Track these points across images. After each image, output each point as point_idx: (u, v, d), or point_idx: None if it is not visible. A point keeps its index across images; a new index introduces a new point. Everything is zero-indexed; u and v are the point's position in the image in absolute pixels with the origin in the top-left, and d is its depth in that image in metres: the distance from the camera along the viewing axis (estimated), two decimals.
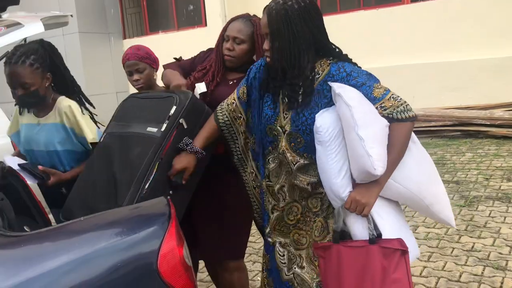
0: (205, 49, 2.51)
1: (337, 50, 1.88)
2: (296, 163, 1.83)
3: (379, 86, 1.75)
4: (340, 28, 8.47)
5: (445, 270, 3.05)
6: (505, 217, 3.79)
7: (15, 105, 2.44)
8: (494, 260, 3.10)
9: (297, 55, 1.73)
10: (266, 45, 1.80)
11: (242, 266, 2.42)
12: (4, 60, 2.24)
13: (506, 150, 5.88)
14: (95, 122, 2.46)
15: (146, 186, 1.92)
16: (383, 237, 1.68)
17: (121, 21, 10.64)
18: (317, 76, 1.79)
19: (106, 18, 10.39)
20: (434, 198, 1.82)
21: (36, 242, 1.42)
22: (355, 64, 1.89)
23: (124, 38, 10.61)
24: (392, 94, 1.73)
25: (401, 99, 1.72)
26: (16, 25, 3.97)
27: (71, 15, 4.70)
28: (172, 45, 9.32)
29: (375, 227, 1.68)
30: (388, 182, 1.71)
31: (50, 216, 2.47)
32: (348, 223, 1.73)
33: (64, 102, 2.33)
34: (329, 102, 1.76)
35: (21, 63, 2.17)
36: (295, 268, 1.91)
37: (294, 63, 1.75)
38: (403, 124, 1.68)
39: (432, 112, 7.16)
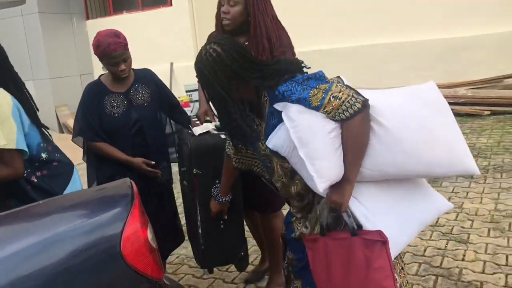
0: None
1: (282, 65, 1.83)
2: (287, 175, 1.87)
3: (315, 92, 1.66)
4: (306, 9, 8.46)
5: (410, 245, 3.12)
6: (467, 193, 3.90)
7: None
8: (457, 234, 3.19)
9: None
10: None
11: (279, 214, 2.66)
12: None
13: (468, 127, 6.03)
14: (37, 119, 2.20)
15: (200, 231, 2.42)
16: (371, 224, 1.72)
17: (84, 1, 10.30)
18: (265, 99, 1.80)
19: None
20: (429, 166, 1.75)
21: None
22: (302, 68, 1.86)
23: (87, 18, 10.30)
24: (332, 94, 1.63)
25: (342, 95, 1.62)
26: None
27: None
28: (137, 26, 9.13)
29: (355, 219, 1.72)
30: (366, 173, 1.72)
31: None
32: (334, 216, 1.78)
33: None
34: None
35: None
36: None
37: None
38: (350, 121, 1.62)
39: None
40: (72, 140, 2.64)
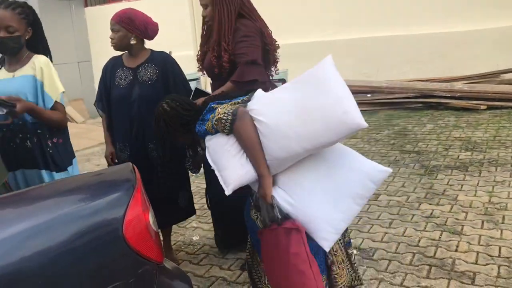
0: None
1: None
2: None
3: (208, 124, 2.01)
4: (306, 1, 8.45)
5: (405, 236, 3.16)
6: (462, 185, 3.94)
7: None
8: (451, 226, 3.24)
9: None
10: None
11: None
12: None
13: (464, 121, 6.07)
14: None
15: None
16: (296, 209, 1.91)
17: None
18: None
19: None
20: (311, 139, 1.88)
21: None
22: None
23: (86, 5, 10.24)
24: (215, 118, 1.97)
25: (219, 115, 1.96)
26: None
27: None
28: None
29: (280, 210, 1.93)
30: (271, 164, 1.93)
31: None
32: (271, 212, 1.97)
33: (42, 58, 2.43)
34: None
35: (11, 9, 2.30)
36: None
37: None
38: (233, 132, 1.94)
39: (395, 84, 7.29)
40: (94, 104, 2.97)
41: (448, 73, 7.56)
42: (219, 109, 1.99)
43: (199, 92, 2.65)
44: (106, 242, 1.38)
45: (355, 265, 2.29)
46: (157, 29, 2.84)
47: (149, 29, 2.75)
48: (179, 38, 8.82)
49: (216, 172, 1.97)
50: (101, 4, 10.12)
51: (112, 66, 2.82)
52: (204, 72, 2.80)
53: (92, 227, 1.37)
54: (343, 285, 2.18)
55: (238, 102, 2.07)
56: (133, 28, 2.68)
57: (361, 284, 2.33)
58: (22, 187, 2.39)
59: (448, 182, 4.05)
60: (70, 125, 2.74)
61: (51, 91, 2.39)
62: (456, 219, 3.34)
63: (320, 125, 1.84)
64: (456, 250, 2.91)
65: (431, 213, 3.46)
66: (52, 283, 1.28)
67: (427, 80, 7.48)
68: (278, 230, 1.90)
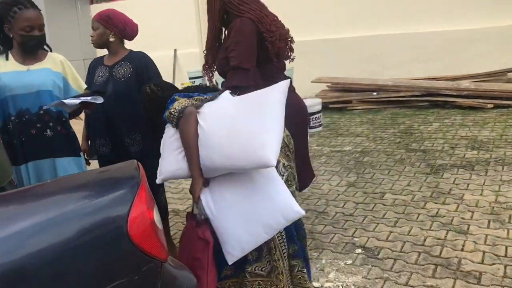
0: None
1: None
2: None
3: (166, 114, 2.12)
4: None
5: (410, 235, 3.15)
6: (468, 184, 3.92)
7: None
8: (457, 225, 3.22)
9: None
10: None
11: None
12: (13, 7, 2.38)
13: (471, 120, 6.03)
14: None
15: None
16: (214, 217, 2.03)
17: None
18: None
19: None
20: (231, 159, 1.96)
21: (2, 204, 1.39)
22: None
23: (91, 3, 10.26)
24: (170, 110, 2.10)
25: (172, 109, 2.09)
26: None
27: None
28: (141, 12, 9.09)
29: (204, 212, 2.05)
30: (203, 167, 2.03)
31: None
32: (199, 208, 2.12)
33: (58, 55, 2.63)
34: None
35: (37, 9, 2.44)
36: (290, 188, 2.20)
37: None
38: (179, 127, 2.07)
39: (401, 82, 7.25)
40: None
41: (454, 72, 7.51)
42: (176, 103, 2.11)
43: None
44: (111, 239, 1.38)
45: (298, 277, 2.30)
46: (137, 30, 2.93)
47: (127, 28, 2.85)
48: (185, 36, 8.82)
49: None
50: (106, 1, 10.13)
51: (93, 66, 2.98)
52: (209, 76, 2.83)
53: (96, 224, 1.36)
54: None
55: (202, 99, 2.16)
56: (111, 26, 2.80)
57: None
58: (34, 179, 2.44)
59: (454, 181, 4.02)
60: (74, 122, 2.76)
61: (77, 87, 2.67)
62: (462, 218, 3.32)
63: (238, 149, 1.92)
64: (462, 250, 2.89)
65: (437, 212, 3.44)
66: (57, 279, 1.28)
67: (433, 79, 7.44)
68: (195, 230, 2.07)
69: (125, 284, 1.36)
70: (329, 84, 7.85)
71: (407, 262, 2.81)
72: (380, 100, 7.22)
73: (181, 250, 2.23)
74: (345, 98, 7.45)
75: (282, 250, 2.18)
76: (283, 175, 2.17)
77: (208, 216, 2.05)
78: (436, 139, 5.33)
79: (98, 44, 2.85)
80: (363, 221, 3.43)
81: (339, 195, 3.96)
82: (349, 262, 2.89)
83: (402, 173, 4.33)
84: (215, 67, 2.73)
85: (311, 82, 7.67)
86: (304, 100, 6.45)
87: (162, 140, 2.17)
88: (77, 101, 2.36)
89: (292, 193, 2.15)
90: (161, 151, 2.14)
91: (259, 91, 2.16)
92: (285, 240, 2.20)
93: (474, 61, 7.38)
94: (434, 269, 2.70)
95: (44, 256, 1.26)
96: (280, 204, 2.00)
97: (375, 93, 7.29)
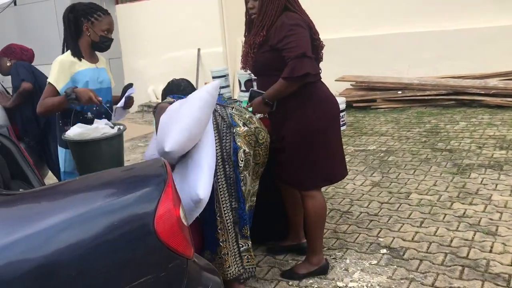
0: None
1: None
2: None
3: None
4: None
5: (436, 235, 3.10)
6: (496, 185, 3.84)
7: (73, 55, 2.70)
8: (485, 226, 3.15)
9: None
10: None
11: (313, 195, 2.68)
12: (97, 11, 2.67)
13: (499, 119, 5.90)
14: None
15: None
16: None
17: None
18: None
19: None
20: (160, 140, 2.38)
21: (33, 200, 1.42)
22: None
23: (117, 3, 10.37)
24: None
25: (154, 106, 2.59)
26: None
27: None
28: (165, 11, 9.17)
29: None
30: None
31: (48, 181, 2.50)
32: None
33: (102, 56, 2.91)
34: None
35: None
36: (245, 172, 2.50)
37: None
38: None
39: (427, 81, 7.14)
40: None
41: (481, 70, 7.35)
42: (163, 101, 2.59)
43: (255, 93, 2.65)
44: (138, 236, 1.40)
45: (245, 257, 2.53)
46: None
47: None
48: (208, 35, 8.85)
49: None
50: (131, 1, 10.25)
51: None
52: (247, 69, 2.76)
53: (124, 220, 1.38)
54: (230, 274, 2.46)
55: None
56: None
57: (250, 277, 2.57)
58: None
59: (481, 181, 3.94)
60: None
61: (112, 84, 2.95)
62: (490, 219, 3.25)
63: (162, 135, 2.36)
64: (490, 251, 2.83)
65: (464, 213, 3.38)
66: (85, 275, 1.30)
67: (460, 77, 7.30)
68: None
69: (152, 281, 1.38)
70: (353, 83, 7.78)
71: (433, 263, 2.77)
72: (405, 98, 7.12)
73: None
74: (369, 96, 7.38)
75: (229, 230, 2.45)
76: (242, 160, 2.46)
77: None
78: (463, 138, 5.23)
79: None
80: (388, 221, 3.39)
81: (363, 194, 3.92)
82: (374, 262, 2.86)
83: (428, 173, 4.27)
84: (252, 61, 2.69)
85: (335, 80, 7.61)
86: None
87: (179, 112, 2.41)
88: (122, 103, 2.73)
89: (244, 177, 2.48)
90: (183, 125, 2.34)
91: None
92: (231, 221, 2.46)
93: (502, 59, 7.21)
94: (461, 271, 2.66)
95: (72, 252, 1.29)
96: (190, 187, 2.28)
97: (400, 92, 7.19)
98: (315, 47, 2.62)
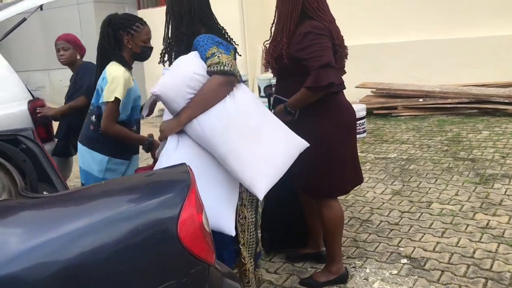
0: None
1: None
2: None
3: (214, 48, 2.08)
4: (357, 2, 8.33)
5: (459, 246, 3.05)
6: None
7: (130, 69, 2.77)
8: (509, 238, 3.09)
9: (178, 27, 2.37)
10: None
11: (329, 204, 2.66)
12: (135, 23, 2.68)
13: None
14: None
15: None
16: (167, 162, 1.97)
17: None
18: None
19: None
20: (231, 152, 1.99)
21: (58, 204, 1.43)
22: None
23: (139, 8, 10.51)
24: (220, 54, 2.06)
25: (224, 61, 2.04)
26: None
27: None
28: None
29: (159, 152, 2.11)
30: (193, 121, 2.03)
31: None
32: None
33: None
34: None
35: None
36: None
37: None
38: (213, 76, 2.03)
39: (448, 89, 7.05)
40: None
41: (504, 78, 7.24)
42: (224, 57, 2.08)
43: (278, 100, 2.65)
44: (161, 241, 1.40)
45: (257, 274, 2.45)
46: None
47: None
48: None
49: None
50: (153, 6, 10.37)
51: None
52: (269, 69, 2.76)
53: (147, 225, 1.38)
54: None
55: (238, 74, 2.23)
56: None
57: None
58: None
59: (505, 191, 3.87)
60: None
61: None
62: None
63: (246, 156, 2.03)
64: None
65: (487, 224, 3.32)
66: (108, 279, 1.31)
67: (483, 85, 7.20)
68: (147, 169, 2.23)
69: (174, 286, 1.38)
70: (374, 90, 7.72)
71: (455, 275, 2.73)
72: (427, 106, 7.05)
73: None
74: (390, 104, 7.32)
75: (251, 248, 2.32)
76: None
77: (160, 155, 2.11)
78: (486, 147, 5.15)
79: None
80: (409, 230, 3.35)
81: (384, 203, 3.89)
82: (394, 272, 2.82)
83: (449, 182, 4.21)
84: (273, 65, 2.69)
85: (355, 87, 7.57)
86: None
87: (181, 62, 2.16)
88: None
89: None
90: (173, 70, 2.13)
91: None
92: (254, 239, 2.31)
93: None
94: (484, 283, 2.61)
95: (96, 256, 1.29)
96: (223, 210, 2.04)
97: (421, 100, 7.12)
98: (340, 56, 2.61)
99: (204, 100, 2.03)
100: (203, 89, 2.03)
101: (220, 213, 2.03)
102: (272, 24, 2.68)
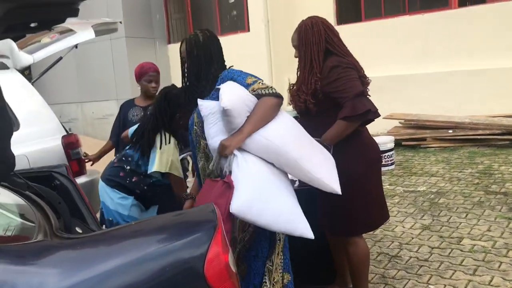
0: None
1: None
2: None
3: (251, 77, 2.26)
4: (384, 34, 8.38)
5: (491, 285, 2.96)
6: None
7: None
8: None
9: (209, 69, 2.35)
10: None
11: (354, 241, 2.64)
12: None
13: None
14: None
15: None
16: (238, 175, 2.05)
17: (166, 26, 10.86)
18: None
19: (152, 24, 10.63)
20: (306, 156, 2.14)
21: (91, 244, 1.48)
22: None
23: (169, 42, 10.83)
24: (261, 81, 2.24)
25: (267, 85, 2.23)
26: (69, 31, 4.14)
27: (120, 22, 4.86)
28: None
29: (229, 166, 2.10)
30: (254, 136, 2.11)
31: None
32: (221, 165, 2.16)
33: None
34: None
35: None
36: None
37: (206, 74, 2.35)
38: (266, 97, 2.17)
39: (479, 120, 6.95)
40: None
41: None
42: (258, 84, 2.24)
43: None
44: (188, 280, 1.43)
45: None
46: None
47: None
48: (255, 72, 9.04)
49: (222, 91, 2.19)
50: (182, 41, 10.65)
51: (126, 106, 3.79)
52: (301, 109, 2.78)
53: (175, 265, 1.42)
54: None
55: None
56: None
57: None
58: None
59: None
60: None
61: None
62: None
63: (310, 159, 2.20)
64: None
65: None
66: None
67: None
68: (218, 182, 2.11)
69: None
70: (402, 121, 7.68)
71: None
72: (457, 138, 6.95)
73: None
74: (418, 135, 7.25)
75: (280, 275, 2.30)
76: None
77: (231, 170, 2.10)
78: None
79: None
80: (439, 267, 3.27)
81: (413, 238, 3.82)
82: None
83: (481, 217, 4.11)
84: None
85: (383, 118, 7.54)
86: (376, 137, 6.36)
87: (230, 89, 2.20)
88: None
89: None
90: (229, 91, 2.17)
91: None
92: (282, 266, 2.31)
93: None
94: None
95: None
96: (299, 215, 2.09)
97: (451, 131, 7.03)
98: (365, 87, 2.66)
99: (264, 116, 2.14)
100: (260, 107, 2.15)
101: (297, 218, 2.08)
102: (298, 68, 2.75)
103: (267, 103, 2.16)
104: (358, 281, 2.68)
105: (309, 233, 2.07)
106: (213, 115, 2.21)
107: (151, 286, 1.37)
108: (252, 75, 2.29)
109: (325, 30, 2.62)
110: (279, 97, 2.20)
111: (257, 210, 1.99)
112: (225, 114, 2.10)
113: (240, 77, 2.26)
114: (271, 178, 2.10)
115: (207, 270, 1.42)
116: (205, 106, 2.24)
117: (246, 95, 2.18)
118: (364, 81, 2.64)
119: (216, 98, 2.22)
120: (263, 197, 2.02)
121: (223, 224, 1.91)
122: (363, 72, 2.67)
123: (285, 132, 2.16)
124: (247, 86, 2.22)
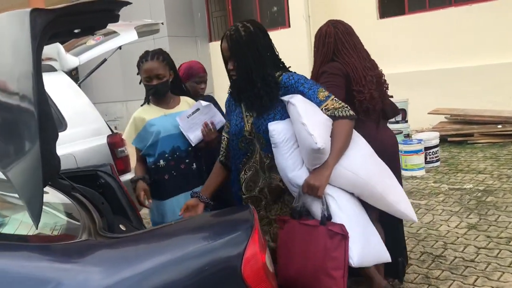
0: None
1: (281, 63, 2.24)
2: (264, 163, 2.15)
3: (323, 91, 2.08)
4: (429, 27, 8.16)
5: None
6: None
7: (142, 105, 2.90)
8: None
9: (261, 70, 2.08)
10: (230, 66, 2.14)
11: (367, 273, 2.51)
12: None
13: None
14: None
15: None
16: (339, 219, 1.93)
17: (207, 25, 10.99)
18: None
19: (193, 22, 10.79)
20: (388, 188, 2.09)
21: (132, 243, 1.54)
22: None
23: (210, 40, 10.96)
24: (334, 98, 2.07)
25: (341, 102, 2.07)
26: (112, 33, 4.27)
27: (162, 23, 4.96)
28: None
29: (327, 209, 1.94)
30: (338, 169, 1.97)
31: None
32: (307, 204, 1.99)
33: (189, 99, 2.94)
34: (284, 107, 2.08)
35: (155, 58, 2.73)
36: None
37: (259, 76, 2.08)
38: (343, 120, 2.02)
39: None
40: None
41: None
42: (334, 101, 2.08)
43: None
44: (226, 279, 1.45)
45: None
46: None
47: None
48: (296, 70, 9.02)
49: (306, 121, 1.95)
50: None
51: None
52: None
53: (213, 263, 1.45)
54: None
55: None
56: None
57: None
58: (170, 215, 2.69)
59: None
60: None
61: None
62: None
63: (393, 192, 2.17)
64: None
65: None
66: None
67: None
68: (319, 229, 1.91)
69: None
70: (448, 116, 7.46)
71: None
72: (506, 133, 6.69)
73: (286, 257, 2.01)
74: (465, 131, 7.03)
75: None
76: None
77: (330, 214, 1.93)
78: None
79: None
80: (486, 268, 3.17)
81: (458, 238, 3.71)
82: None
83: None
84: None
85: (428, 113, 7.36)
86: (421, 133, 6.21)
87: (312, 108, 2.02)
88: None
89: None
90: (312, 120, 1.95)
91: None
92: None
93: None
94: None
95: None
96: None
97: (500, 126, 6.78)
98: (378, 83, 2.63)
99: (345, 145, 2.01)
100: (340, 136, 2.00)
101: (382, 247, 2.08)
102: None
103: (345, 129, 2.01)
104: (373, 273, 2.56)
105: (389, 259, 2.09)
106: (286, 142, 2.01)
107: (191, 284, 1.40)
108: (320, 86, 2.12)
109: (335, 41, 2.61)
110: (354, 118, 2.05)
111: (368, 253, 1.98)
112: (317, 152, 1.90)
113: (311, 91, 2.06)
114: (363, 212, 2.06)
115: (244, 270, 1.45)
116: (277, 131, 2.01)
117: (326, 120, 2.00)
118: (361, 90, 2.54)
119: (283, 114, 2.06)
120: (366, 236, 1.98)
121: (343, 277, 1.88)
122: (359, 85, 2.55)
123: (368, 163, 2.05)
124: (319, 102, 2.04)
